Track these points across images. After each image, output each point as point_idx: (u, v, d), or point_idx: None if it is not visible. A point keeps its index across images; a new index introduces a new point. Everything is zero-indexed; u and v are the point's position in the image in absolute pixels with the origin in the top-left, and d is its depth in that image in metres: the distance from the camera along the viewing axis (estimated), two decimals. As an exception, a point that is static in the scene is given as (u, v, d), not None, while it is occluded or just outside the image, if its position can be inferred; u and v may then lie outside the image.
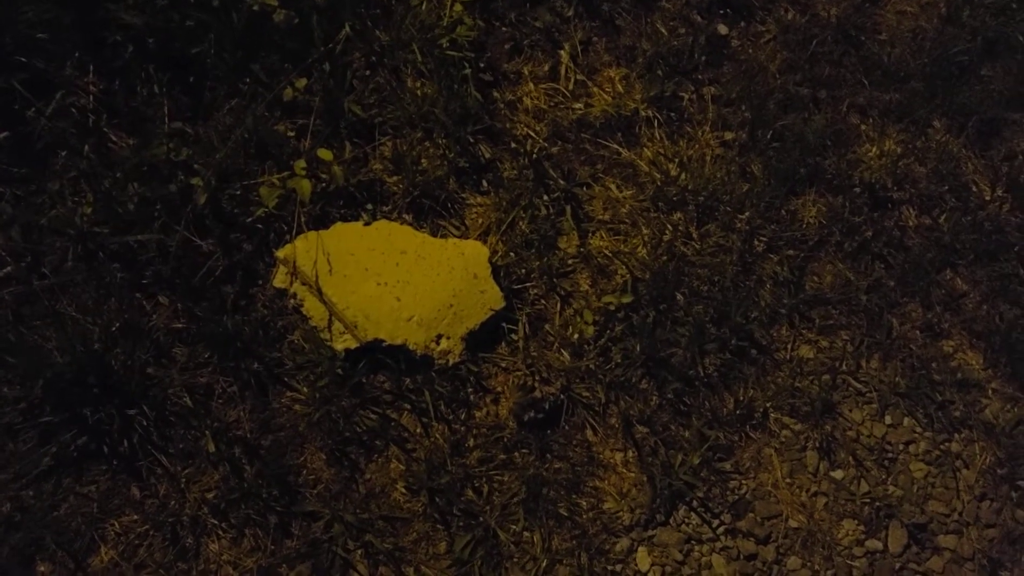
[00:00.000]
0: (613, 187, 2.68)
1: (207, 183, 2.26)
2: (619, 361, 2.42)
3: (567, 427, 2.37)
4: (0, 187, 2.20)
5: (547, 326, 2.46)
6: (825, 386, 2.54)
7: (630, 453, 2.37)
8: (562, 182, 2.61)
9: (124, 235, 2.20)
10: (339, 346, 2.25)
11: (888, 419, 2.55)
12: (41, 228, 2.18)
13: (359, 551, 2.13)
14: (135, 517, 2.05)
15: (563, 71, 2.81)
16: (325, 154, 2.36)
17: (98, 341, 2.08)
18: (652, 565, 2.26)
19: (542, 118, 2.73)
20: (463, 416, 2.32)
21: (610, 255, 2.58)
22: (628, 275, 2.53)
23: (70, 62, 2.31)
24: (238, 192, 2.34)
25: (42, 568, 1.97)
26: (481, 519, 2.21)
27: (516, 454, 2.30)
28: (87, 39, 2.34)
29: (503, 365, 2.39)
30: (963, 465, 2.54)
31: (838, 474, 2.45)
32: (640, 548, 2.27)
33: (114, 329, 2.13)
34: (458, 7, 2.63)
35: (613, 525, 2.28)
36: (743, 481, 2.40)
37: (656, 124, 2.79)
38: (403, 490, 2.22)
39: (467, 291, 2.35)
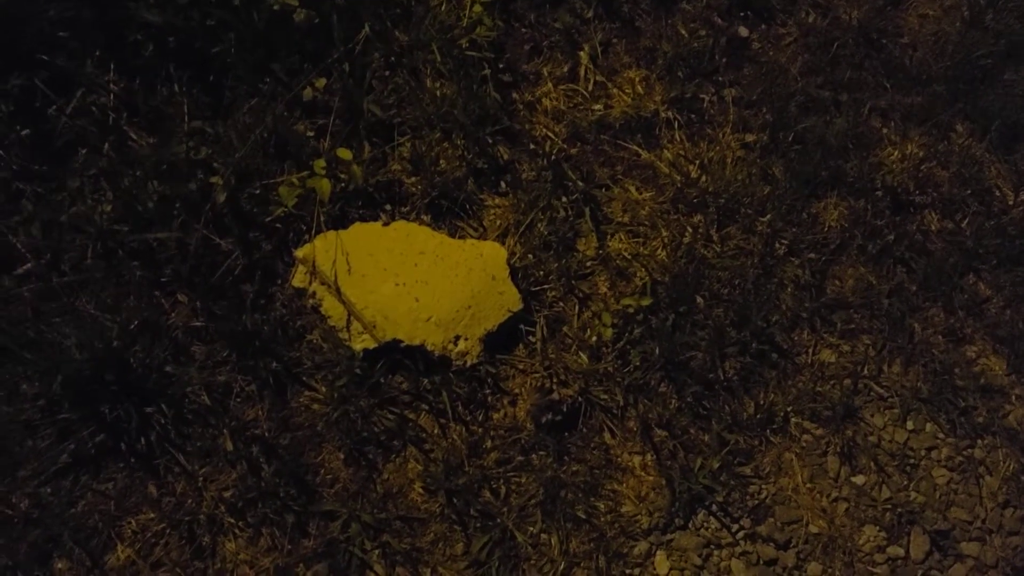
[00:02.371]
0: (632, 189, 2.67)
1: (227, 182, 2.26)
2: (638, 364, 2.41)
3: (585, 429, 2.35)
4: (21, 184, 2.20)
5: (565, 328, 2.44)
6: (846, 391, 2.51)
7: (648, 456, 2.35)
8: (581, 184, 2.59)
9: (143, 233, 2.20)
10: (357, 346, 2.24)
11: (910, 424, 2.52)
12: (61, 225, 2.18)
13: (376, 551, 2.12)
14: (152, 515, 2.04)
15: (582, 72, 2.80)
16: (344, 154, 2.35)
17: (117, 338, 2.07)
18: (671, 569, 2.24)
19: (561, 119, 2.72)
20: (481, 417, 2.30)
21: (629, 257, 2.56)
22: (647, 277, 2.51)
23: (91, 60, 2.31)
24: (257, 191, 2.34)
25: (59, 565, 1.97)
26: (499, 520, 2.19)
27: (534, 456, 2.29)
28: (108, 37, 2.34)
29: (521, 367, 2.38)
30: (986, 472, 2.50)
31: (859, 479, 2.43)
32: (659, 552, 2.25)
33: (133, 327, 2.13)
34: (478, 8, 2.62)
35: (631, 528, 2.26)
36: (763, 486, 2.38)
37: (676, 126, 2.78)
38: (420, 491, 2.21)
39: (485, 292, 2.34)
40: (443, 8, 2.65)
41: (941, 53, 3.12)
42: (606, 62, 2.85)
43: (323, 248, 2.32)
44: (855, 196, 2.79)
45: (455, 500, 2.19)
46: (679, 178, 2.68)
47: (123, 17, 2.32)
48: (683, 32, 2.92)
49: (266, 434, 2.16)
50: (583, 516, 2.24)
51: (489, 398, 2.33)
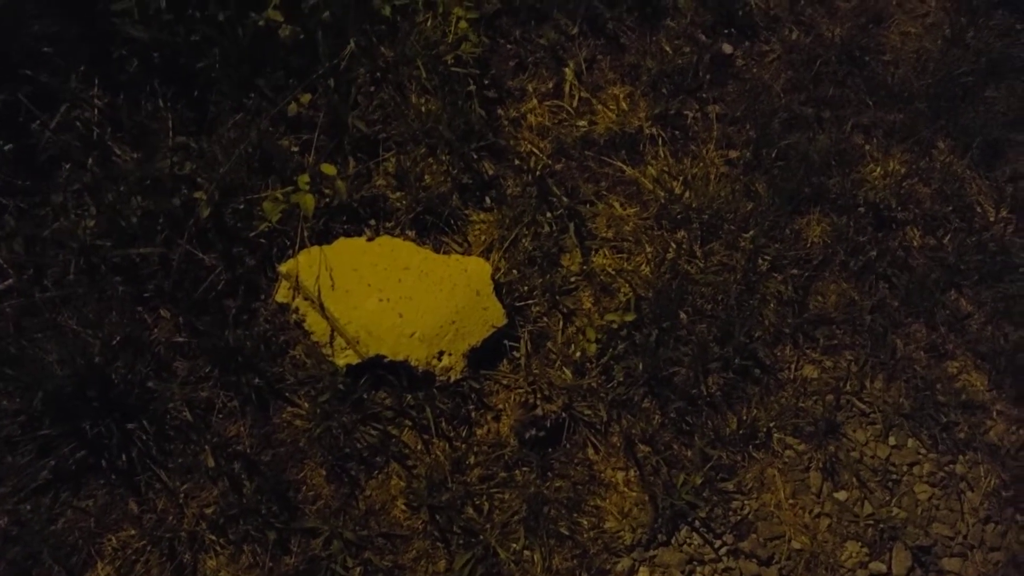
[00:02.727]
0: (617, 205, 2.68)
1: (210, 197, 2.26)
2: (621, 379, 2.41)
3: (568, 445, 2.35)
4: (4, 199, 2.20)
5: (549, 344, 2.45)
6: (829, 406, 2.52)
7: (632, 472, 2.36)
8: (565, 199, 2.60)
9: (127, 248, 2.20)
10: (341, 361, 2.24)
11: (892, 440, 2.53)
12: (44, 240, 2.18)
13: (358, 568, 2.11)
14: (133, 532, 2.03)
15: (567, 88, 2.81)
16: (329, 169, 2.36)
17: (99, 354, 2.07)
18: (654, 586, 2.24)
19: (546, 135, 2.73)
20: (464, 433, 2.30)
21: (613, 273, 2.57)
22: (631, 293, 2.52)
23: (75, 75, 2.31)
24: (241, 206, 2.34)
25: (38, 583, 1.96)
26: (481, 537, 2.19)
27: (517, 472, 2.29)
28: (93, 53, 2.35)
29: (505, 382, 2.38)
30: (968, 487, 2.52)
31: (842, 495, 2.43)
32: (641, 568, 2.25)
33: (115, 342, 2.12)
34: (463, 24, 2.64)
35: (614, 545, 2.26)
36: (746, 501, 2.38)
37: (660, 142, 2.80)
38: (403, 507, 2.20)
39: (469, 308, 2.35)
40: (428, 24, 2.66)
41: (923, 70, 3.15)
42: (591, 78, 2.87)
43: (307, 263, 2.32)
44: (838, 212, 2.81)
45: (438, 517, 2.19)
46: (663, 194, 2.69)
47: (108, 32, 2.32)
48: (667, 49, 2.94)
49: (248, 450, 2.15)
50: (566, 532, 2.24)
51: (473, 414, 2.33)
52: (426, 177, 2.54)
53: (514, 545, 2.20)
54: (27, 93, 2.23)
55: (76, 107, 2.30)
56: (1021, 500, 2.51)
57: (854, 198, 2.83)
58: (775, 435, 2.47)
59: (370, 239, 2.40)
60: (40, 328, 2.10)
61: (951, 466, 2.53)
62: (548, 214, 2.58)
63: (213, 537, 2.06)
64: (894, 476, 2.49)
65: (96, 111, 2.32)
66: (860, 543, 2.38)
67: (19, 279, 2.14)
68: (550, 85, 2.81)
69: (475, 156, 2.60)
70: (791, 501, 2.41)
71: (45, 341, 2.08)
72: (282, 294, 2.30)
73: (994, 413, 2.63)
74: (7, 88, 2.23)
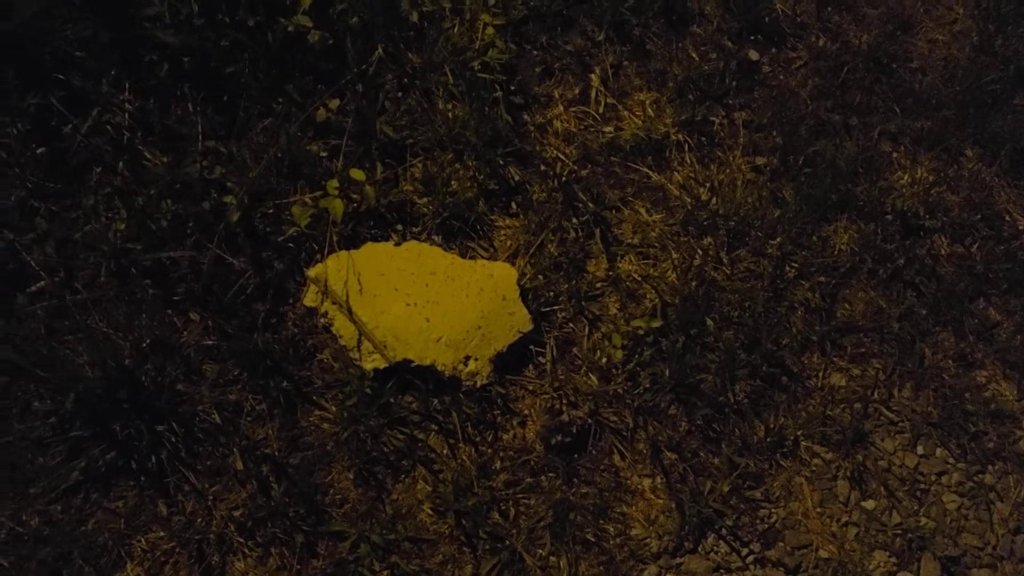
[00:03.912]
0: (643, 211, 2.67)
1: (240, 201, 2.27)
2: (648, 386, 2.40)
3: (594, 452, 2.34)
4: (36, 202, 2.22)
5: (575, 349, 2.44)
6: (857, 415, 2.51)
7: (658, 479, 2.35)
8: (591, 205, 2.60)
9: (157, 252, 2.21)
10: (368, 366, 2.24)
11: (920, 449, 2.51)
12: (75, 243, 2.20)
13: (385, 572, 2.11)
14: (161, 534, 2.04)
15: (593, 94, 2.81)
16: (357, 174, 2.36)
17: (129, 357, 2.09)
18: (680, 593, 2.23)
19: (572, 141, 2.73)
20: (490, 438, 2.30)
21: (639, 279, 2.56)
22: (657, 299, 2.51)
23: (106, 80, 2.33)
24: (270, 211, 2.35)
25: (68, 583, 1.97)
26: (507, 542, 2.18)
27: (543, 478, 2.28)
28: (124, 57, 2.36)
29: (531, 388, 2.38)
30: (997, 498, 2.49)
31: (869, 504, 2.42)
32: (668, 575, 2.24)
33: (145, 345, 2.14)
34: (490, 30, 2.64)
35: (641, 552, 2.25)
36: (773, 510, 2.37)
37: (687, 148, 2.79)
38: (430, 511, 2.20)
39: (496, 313, 2.35)
40: (455, 31, 2.67)
41: (951, 78, 3.13)
42: (617, 84, 2.86)
43: (335, 268, 2.32)
44: (865, 220, 2.79)
45: (464, 521, 2.19)
46: (689, 200, 2.69)
47: (138, 37, 2.34)
48: (694, 55, 2.94)
49: (276, 453, 2.16)
50: (592, 539, 2.23)
51: (499, 419, 2.33)
52: (453, 183, 2.54)
53: (540, 551, 2.20)
54: (59, 97, 2.25)
55: (107, 111, 2.32)
56: (1051, 511, 2.49)
57: (882, 205, 2.82)
58: (803, 443, 2.46)
59: (397, 244, 2.41)
60: (71, 331, 2.12)
61: (980, 476, 2.51)
62: (574, 220, 2.58)
63: (241, 539, 2.07)
64: (922, 486, 2.47)
65: (127, 115, 2.33)
66: (888, 553, 2.36)
67: (50, 282, 2.16)
68: (576, 91, 2.82)
69: (501, 162, 2.60)
70: (819, 510, 2.39)
71: (76, 343, 2.10)
72: (310, 298, 2.31)
73: (1023, 423, 2.60)
74: (40, 92, 2.26)
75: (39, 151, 2.25)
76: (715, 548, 2.29)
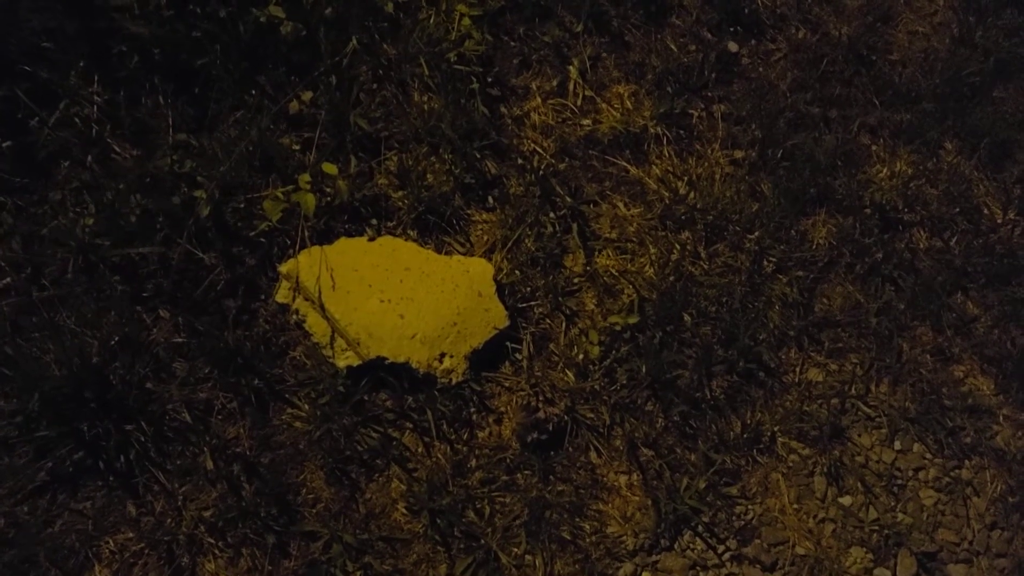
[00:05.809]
0: (621, 205, 2.65)
1: (210, 196, 2.24)
2: (624, 382, 2.39)
3: (571, 449, 2.33)
4: (1, 197, 2.18)
5: (552, 346, 2.42)
6: (834, 410, 2.50)
7: (635, 476, 2.33)
8: (569, 199, 2.58)
9: (125, 247, 2.18)
10: (341, 363, 2.21)
11: (897, 444, 2.51)
12: (42, 239, 2.16)
13: (358, 572, 2.09)
14: (130, 535, 2.01)
15: (571, 87, 2.78)
16: (330, 168, 2.33)
17: (97, 355, 2.05)
18: (656, 591, 2.22)
19: (549, 134, 2.70)
20: (465, 436, 2.28)
21: (617, 274, 2.54)
22: (635, 295, 2.49)
23: (74, 72, 2.29)
24: (242, 205, 2.32)
25: (35, 586, 1.94)
26: (482, 541, 2.17)
27: (519, 475, 2.27)
28: (92, 49, 2.32)
29: (507, 385, 2.36)
30: (973, 493, 2.49)
31: (846, 500, 2.41)
32: (644, 573, 2.23)
33: (113, 343, 2.10)
34: (466, 21, 2.61)
35: (617, 549, 2.24)
36: (750, 506, 2.36)
37: (665, 141, 2.77)
38: (404, 510, 2.18)
39: (471, 309, 2.32)
40: (431, 21, 2.63)
41: (931, 70, 3.11)
42: (595, 76, 2.84)
43: (307, 263, 2.29)
44: (844, 214, 2.78)
45: (439, 520, 2.17)
46: (667, 194, 2.67)
47: (107, 28, 2.30)
48: (673, 47, 2.92)
49: (247, 452, 2.13)
50: (568, 537, 2.22)
51: (474, 416, 2.31)
52: (428, 176, 2.52)
53: (515, 549, 2.18)
54: (26, 89, 2.21)
55: (75, 104, 2.28)
56: (1027, 506, 2.49)
57: (860, 199, 2.81)
58: (779, 439, 2.45)
59: (371, 239, 2.38)
60: (38, 328, 2.08)
61: (957, 471, 2.51)
62: (551, 214, 2.56)
63: (212, 540, 2.04)
64: (899, 481, 2.46)
65: (95, 108, 2.29)
66: (865, 549, 2.36)
67: (16, 278, 2.12)
68: (554, 83, 2.79)
69: (478, 155, 2.57)
70: (795, 506, 2.38)
71: (43, 341, 2.06)
72: (282, 294, 2.28)
73: (1000, 418, 2.60)
74: (6, 84, 2.21)
75: (5, 145, 2.20)
76: (691, 545, 2.29)
